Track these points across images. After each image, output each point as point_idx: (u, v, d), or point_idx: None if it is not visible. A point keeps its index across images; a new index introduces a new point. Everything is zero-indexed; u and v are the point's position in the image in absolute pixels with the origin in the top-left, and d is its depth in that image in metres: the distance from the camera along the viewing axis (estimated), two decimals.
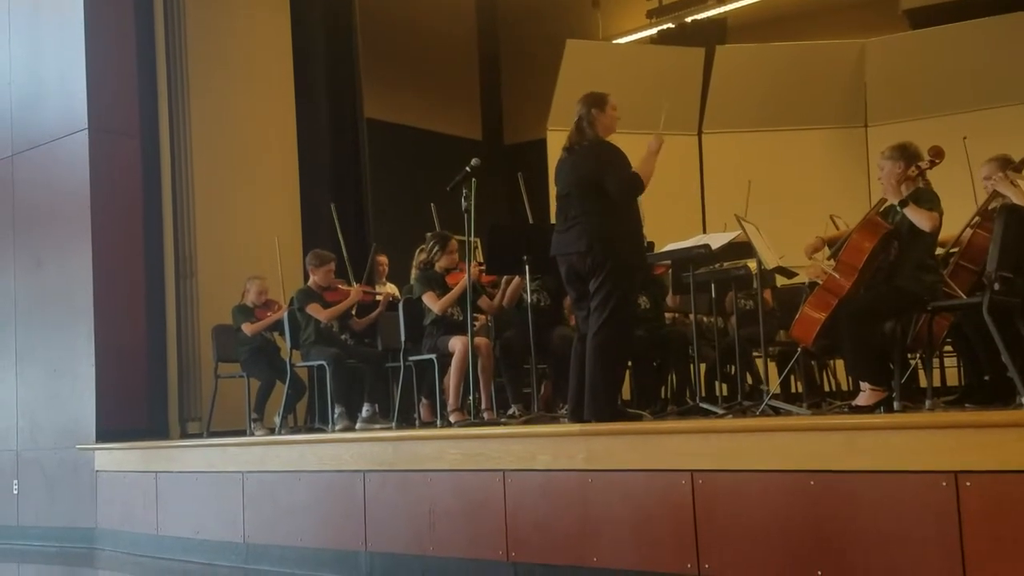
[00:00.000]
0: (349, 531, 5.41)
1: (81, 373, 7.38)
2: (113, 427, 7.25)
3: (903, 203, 4.46)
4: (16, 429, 7.89)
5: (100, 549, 7.03)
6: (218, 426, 7.13)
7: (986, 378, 4.80)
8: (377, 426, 6.23)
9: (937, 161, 4.63)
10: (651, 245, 5.88)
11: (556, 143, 5.91)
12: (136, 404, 7.52)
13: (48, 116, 7.90)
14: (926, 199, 4.50)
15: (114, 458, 7.08)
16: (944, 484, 3.42)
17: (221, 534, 6.16)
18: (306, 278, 6.80)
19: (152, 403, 7.62)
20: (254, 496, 6.01)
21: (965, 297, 4.52)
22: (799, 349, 5.49)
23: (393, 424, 6.20)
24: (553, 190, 5.30)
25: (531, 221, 6.83)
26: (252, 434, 6.78)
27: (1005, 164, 4.81)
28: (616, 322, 4.68)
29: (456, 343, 5.78)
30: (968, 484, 3.38)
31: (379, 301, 6.86)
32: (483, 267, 6.10)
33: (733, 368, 6.20)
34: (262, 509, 5.96)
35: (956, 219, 4.98)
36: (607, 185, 4.72)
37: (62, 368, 7.56)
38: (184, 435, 7.60)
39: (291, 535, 5.75)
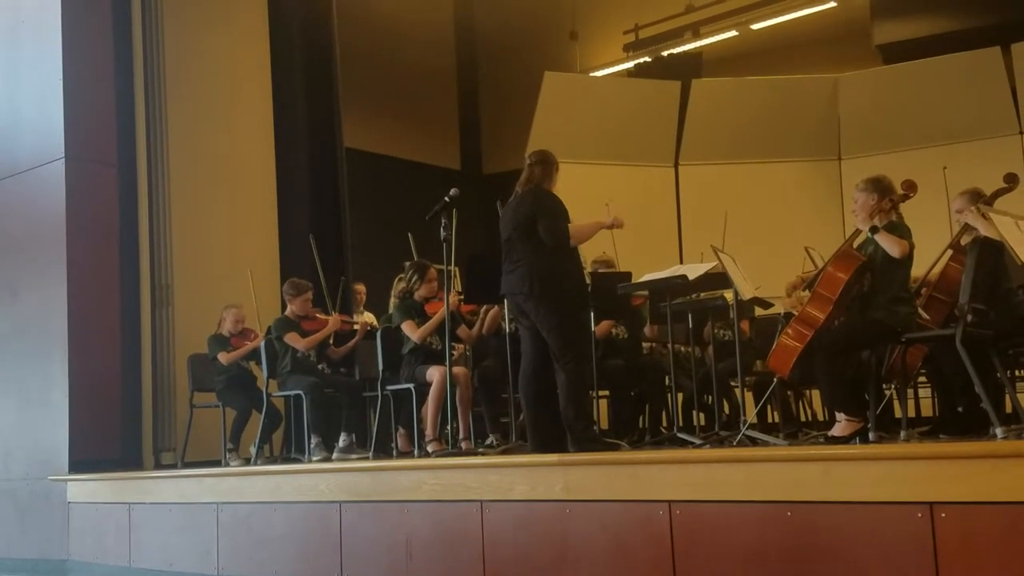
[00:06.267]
0: (325, 562, 5.35)
1: (54, 403, 7.27)
2: (86, 457, 7.14)
3: (874, 229, 4.52)
4: None
5: None
6: (193, 457, 7.06)
7: (960, 409, 4.84)
8: (354, 456, 6.19)
9: (911, 195, 4.68)
10: (628, 275, 5.92)
11: None
12: (110, 434, 7.41)
13: (24, 144, 7.83)
14: (898, 231, 4.55)
15: (86, 489, 6.98)
16: (920, 515, 3.44)
17: (195, 566, 6.06)
18: (283, 307, 6.77)
19: (126, 433, 7.52)
20: (229, 527, 5.94)
21: (938, 329, 4.57)
22: (776, 379, 5.53)
23: (370, 454, 6.17)
24: None
25: None
26: (227, 464, 6.72)
27: (976, 197, 4.88)
28: (577, 356, 4.93)
29: (434, 372, 5.78)
30: (943, 515, 3.39)
31: (356, 330, 6.84)
32: (462, 296, 6.11)
33: (710, 398, 6.23)
34: (237, 540, 5.89)
35: (933, 248, 5.04)
36: (539, 229, 4.94)
37: (35, 398, 7.46)
38: (158, 466, 7.51)
39: (266, 567, 5.67)
